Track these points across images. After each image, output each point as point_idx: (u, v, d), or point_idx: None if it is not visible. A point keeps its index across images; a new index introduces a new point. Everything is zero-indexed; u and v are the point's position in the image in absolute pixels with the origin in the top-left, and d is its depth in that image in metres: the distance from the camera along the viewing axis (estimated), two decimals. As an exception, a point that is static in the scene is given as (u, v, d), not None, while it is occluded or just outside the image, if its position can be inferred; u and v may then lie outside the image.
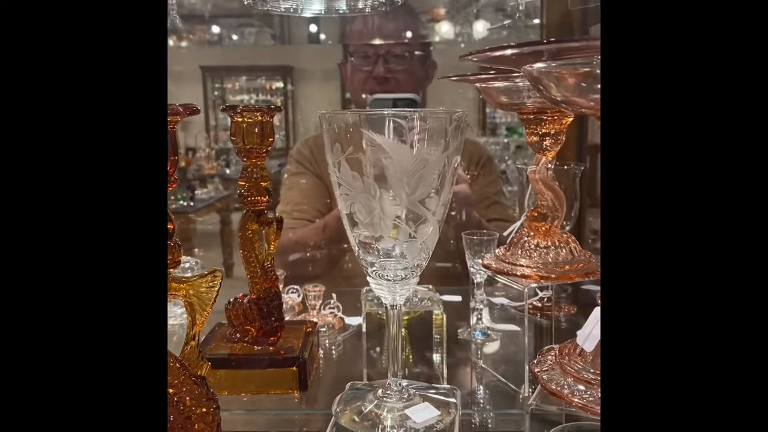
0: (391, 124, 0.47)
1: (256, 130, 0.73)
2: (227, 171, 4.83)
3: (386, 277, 0.53)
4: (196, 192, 4.21)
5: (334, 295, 0.99)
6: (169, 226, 0.47)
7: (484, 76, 0.78)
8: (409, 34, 1.33)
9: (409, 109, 0.47)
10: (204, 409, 0.50)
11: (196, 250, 3.30)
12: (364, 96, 1.32)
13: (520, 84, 0.74)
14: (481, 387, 0.80)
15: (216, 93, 6.12)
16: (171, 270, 0.48)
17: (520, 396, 0.73)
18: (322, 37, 4.71)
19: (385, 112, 0.47)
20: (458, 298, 1.05)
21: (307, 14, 0.87)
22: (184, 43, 4.44)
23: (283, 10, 0.84)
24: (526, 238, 0.76)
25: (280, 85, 6.10)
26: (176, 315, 0.96)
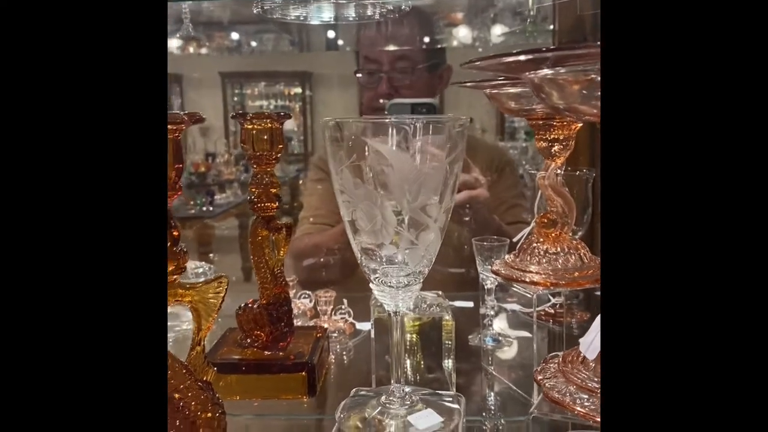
0: (394, 131, 0.47)
1: (266, 137, 0.74)
2: (245, 176, 4.87)
3: (389, 283, 0.53)
4: (215, 197, 4.26)
5: (345, 301, 0.99)
6: (174, 233, 0.48)
7: (495, 81, 0.78)
8: (419, 41, 1.33)
9: (414, 116, 0.48)
10: (209, 414, 0.51)
11: (212, 254, 3.33)
12: (381, 101, 1.32)
13: (529, 90, 0.74)
14: (492, 393, 0.79)
15: (235, 99, 6.17)
16: (177, 276, 0.49)
17: (531, 403, 0.72)
18: (340, 42, 4.73)
19: (387, 120, 0.47)
20: (470, 304, 1.04)
21: (316, 22, 0.88)
22: (203, 50, 4.50)
23: (293, 17, 0.85)
24: (535, 245, 0.76)
25: (299, 90, 6.14)
26: (190, 320, 0.97)
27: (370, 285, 0.55)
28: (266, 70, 6.00)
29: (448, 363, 0.79)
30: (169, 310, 0.54)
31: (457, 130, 0.50)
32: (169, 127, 0.46)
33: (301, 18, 0.84)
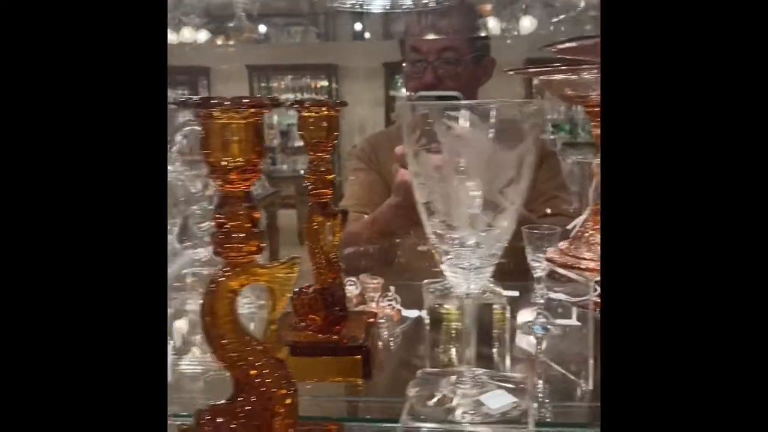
0: (468, 114, 0.48)
1: (323, 124, 0.75)
2: (272, 169, 4.91)
3: (461, 266, 0.53)
4: (243, 189, 4.30)
5: (392, 288, 1.00)
6: (255, 214, 0.49)
7: (545, 68, 0.78)
8: (464, 32, 1.33)
9: (487, 100, 0.48)
10: (283, 391, 0.52)
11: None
12: (411, 94, 1.35)
13: (586, 77, 0.74)
14: (542, 381, 0.80)
15: (262, 92, 6.21)
16: (255, 257, 0.50)
17: (580, 390, 0.73)
18: (367, 35, 4.73)
19: (462, 102, 0.48)
20: (515, 293, 1.04)
21: (374, 9, 0.89)
22: (231, 42, 4.53)
23: (349, 6, 0.85)
24: (590, 232, 0.76)
25: (325, 83, 6.16)
26: (241, 305, 0.98)
27: (441, 267, 0.55)
28: (293, 63, 6.03)
29: (501, 349, 0.80)
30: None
31: (529, 114, 0.50)
32: (251, 111, 0.47)
33: (357, 6, 0.85)
